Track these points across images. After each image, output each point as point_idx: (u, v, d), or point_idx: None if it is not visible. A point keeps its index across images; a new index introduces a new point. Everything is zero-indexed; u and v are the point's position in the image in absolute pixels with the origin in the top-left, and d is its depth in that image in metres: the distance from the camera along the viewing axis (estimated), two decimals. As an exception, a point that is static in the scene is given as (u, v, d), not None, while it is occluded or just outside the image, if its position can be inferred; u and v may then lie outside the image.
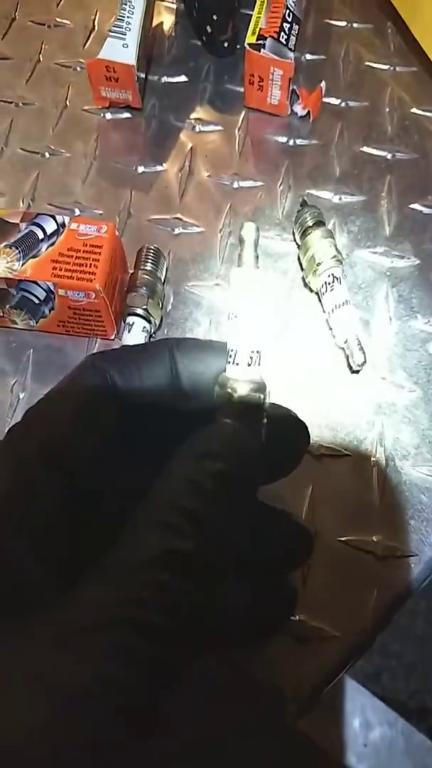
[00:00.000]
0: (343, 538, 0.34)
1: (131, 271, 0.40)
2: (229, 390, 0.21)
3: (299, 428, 0.24)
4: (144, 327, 0.38)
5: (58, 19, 0.55)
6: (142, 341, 0.38)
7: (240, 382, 0.21)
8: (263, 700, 0.32)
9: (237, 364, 0.21)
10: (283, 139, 0.48)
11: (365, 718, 0.75)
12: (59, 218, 0.38)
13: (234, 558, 0.18)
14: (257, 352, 0.21)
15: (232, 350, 0.22)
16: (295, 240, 0.43)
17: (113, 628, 0.15)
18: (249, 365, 0.21)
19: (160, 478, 0.18)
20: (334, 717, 0.74)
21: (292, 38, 0.47)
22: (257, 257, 0.22)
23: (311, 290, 0.41)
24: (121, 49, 0.46)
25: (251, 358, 0.21)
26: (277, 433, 0.22)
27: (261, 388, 0.21)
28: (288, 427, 0.23)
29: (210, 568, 0.17)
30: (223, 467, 0.18)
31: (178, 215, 0.45)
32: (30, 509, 0.18)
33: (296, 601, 0.26)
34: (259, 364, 0.21)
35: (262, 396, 0.21)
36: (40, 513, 0.18)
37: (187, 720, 0.22)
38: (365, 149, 0.48)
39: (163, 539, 0.16)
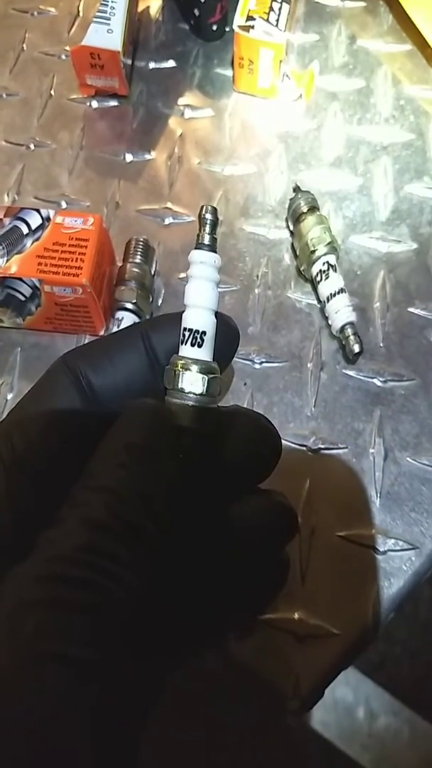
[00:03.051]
0: (341, 533, 0.33)
1: (120, 264, 0.39)
2: (173, 370, 0.21)
3: (266, 434, 0.23)
4: (134, 321, 0.37)
5: (41, 7, 0.54)
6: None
7: (187, 362, 0.21)
8: (264, 700, 0.32)
9: (184, 344, 0.22)
10: (275, 123, 0.47)
11: (370, 708, 0.75)
12: (44, 212, 0.37)
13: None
14: (202, 332, 0.22)
15: (182, 331, 0.22)
16: (288, 227, 0.42)
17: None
18: (193, 345, 0.22)
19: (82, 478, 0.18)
20: (339, 707, 0.73)
21: (282, 19, 0.46)
22: (216, 239, 0.23)
23: (306, 279, 0.40)
24: (106, 35, 0.45)
25: (195, 338, 0.22)
26: (240, 440, 0.21)
27: (209, 369, 0.21)
28: (252, 434, 0.22)
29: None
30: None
31: (168, 205, 0.44)
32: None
33: (287, 572, 0.25)
34: (200, 346, 0.22)
35: (207, 378, 0.21)
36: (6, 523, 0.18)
37: (189, 718, 0.22)
38: (360, 131, 0.46)
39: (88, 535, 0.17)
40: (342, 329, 0.37)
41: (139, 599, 0.17)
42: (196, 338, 0.22)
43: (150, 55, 0.51)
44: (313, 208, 0.40)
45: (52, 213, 0.37)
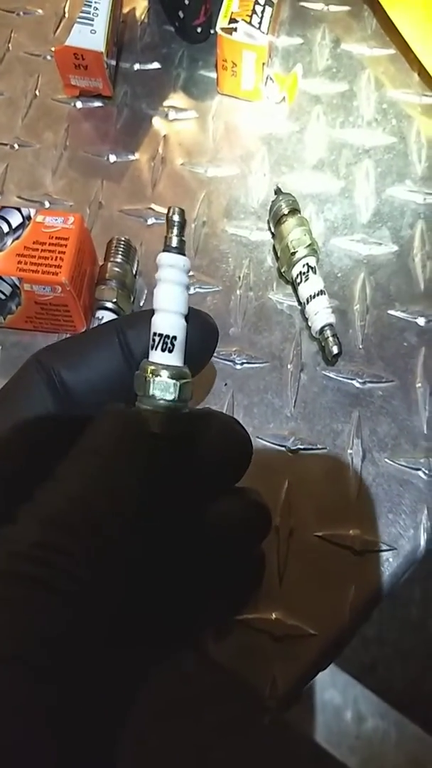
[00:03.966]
0: (319, 534, 0.33)
1: (101, 264, 0.39)
2: (144, 376, 0.21)
3: (237, 436, 0.23)
4: (114, 321, 0.37)
5: (28, 7, 0.54)
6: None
7: (158, 368, 0.21)
8: (241, 701, 0.32)
9: (155, 349, 0.22)
10: (259, 126, 0.47)
11: (357, 711, 0.75)
12: (25, 211, 0.37)
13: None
14: (172, 337, 0.22)
15: (152, 336, 0.22)
16: (270, 229, 0.42)
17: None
18: (163, 350, 0.21)
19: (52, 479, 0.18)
20: (327, 710, 0.73)
21: (265, 21, 0.46)
22: (184, 242, 0.22)
23: (287, 281, 0.40)
24: (89, 36, 0.45)
25: (165, 343, 0.21)
26: (212, 443, 0.21)
27: (180, 374, 0.21)
28: (224, 436, 0.22)
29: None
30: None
31: (151, 205, 0.44)
32: None
33: (263, 570, 0.25)
34: (170, 351, 0.22)
35: (178, 384, 0.21)
36: None
37: (167, 721, 0.22)
38: (342, 134, 0.47)
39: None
40: (321, 331, 0.37)
41: (101, 598, 0.17)
42: (167, 343, 0.21)
43: (135, 57, 0.51)
44: (294, 210, 0.40)
45: (32, 212, 0.37)
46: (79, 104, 0.49)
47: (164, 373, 0.21)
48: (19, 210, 0.37)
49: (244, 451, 0.23)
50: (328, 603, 0.32)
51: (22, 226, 0.37)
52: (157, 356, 0.22)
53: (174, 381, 0.21)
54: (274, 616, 0.31)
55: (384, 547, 0.33)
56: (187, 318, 0.22)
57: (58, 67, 0.46)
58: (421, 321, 0.39)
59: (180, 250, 0.22)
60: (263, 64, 0.46)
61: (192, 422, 0.22)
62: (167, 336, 0.21)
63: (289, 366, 0.38)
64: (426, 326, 0.39)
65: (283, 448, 0.35)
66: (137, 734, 0.21)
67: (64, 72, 0.47)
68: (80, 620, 0.16)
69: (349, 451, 0.35)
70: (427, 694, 0.84)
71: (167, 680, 0.23)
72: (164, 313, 0.22)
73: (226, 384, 0.38)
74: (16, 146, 0.47)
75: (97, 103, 0.49)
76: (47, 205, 0.44)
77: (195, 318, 0.23)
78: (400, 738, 0.73)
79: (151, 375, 0.21)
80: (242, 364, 0.38)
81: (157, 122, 0.48)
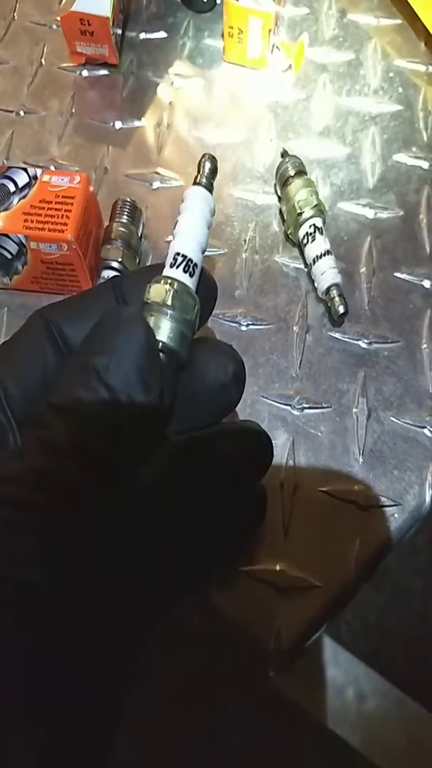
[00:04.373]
0: (324, 489, 0.33)
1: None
2: (165, 288, 0.20)
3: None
4: (120, 281, 0.37)
5: (33, -22, 0.54)
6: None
7: (179, 285, 0.20)
8: (245, 652, 0.32)
9: (176, 267, 0.21)
10: (265, 93, 0.47)
11: (359, 689, 0.75)
12: (31, 171, 0.37)
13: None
14: (195, 263, 0.21)
15: (172, 255, 0.21)
16: (276, 193, 0.42)
17: None
18: (185, 272, 0.21)
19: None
20: (328, 689, 0.74)
21: (272, -12, 0.46)
22: (212, 184, 0.23)
23: (293, 243, 0.40)
24: (96, 1, 0.45)
25: (187, 265, 0.21)
26: (207, 368, 0.21)
27: (197, 301, 0.21)
28: (219, 359, 0.22)
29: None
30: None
31: (157, 170, 0.44)
32: None
33: (265, 509, 0.25)
34: (191, 276, 0.21)
35: (197, 307, 0.20)
36: None
37: (168, 668, 0.22)
38: (348, 102, 0.47)
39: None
40: (327, 290, 0.37)
41: (95, 527, 0.17)
42: (189, 266, 0.21)
43: (141, 26, 0.51)
44: (301, 172, 0.40)
45: (39, 172, 0.37)
46: (85, 72, 0.48)
47: (184, 292, 0.20)
48: (25, 170, 0.37)
49: (237, 373, 0.23)
50: (333, 556, 0.32)
51: (28, 185, 0.37)
52: (178, 274, 0.21)
53: (194, 302, 0.20)
54: (278, 567, 0.31)
55: (389, 503, 0.33)
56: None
57: (64, 34, 0.46)
58: (426, 283, 0.39)
59: (209, 189, 0.22)
60: (269, 31, 0.46)
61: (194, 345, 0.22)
62: (190, 260, 0.21)
63: (294, 328, 0.38)
64: (431, 289, 0.39)
65: (288, 407, 0.35)
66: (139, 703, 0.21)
67: (70, 38, 0.46)
68: (75, 546, 0.16)
69: (354, 409, 0.35)
70: (429, 674, 0.84)
71: (169, 627, 0.23)
72: (188, 237, 0.21)
73: (231, 345, 0.38)
74: (22, 113, 0.47)
75: (103, 72, 0.49)
76: (53, 169, 0.44)
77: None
78: (401, 717, 0.73)
79: (171, 287, 0.20)
80: (248, 325, 0.38)
81: (162, 90, 0.48)
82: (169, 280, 0.20)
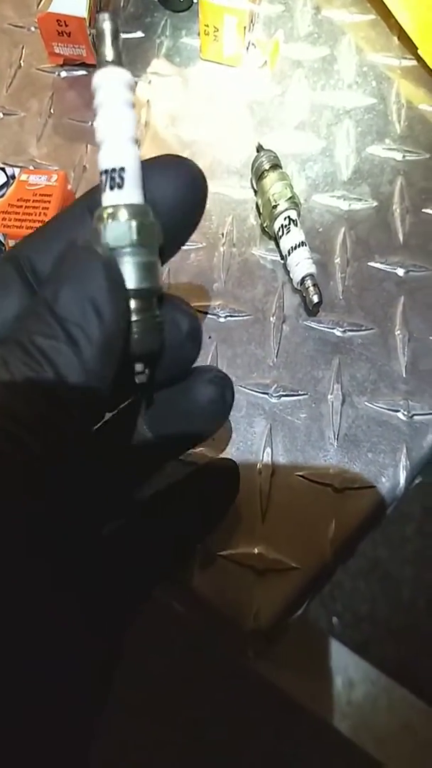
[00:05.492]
0: (300, 473, 0.34)
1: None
2: (95, 228, 0.18)
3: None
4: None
5: (12, -19, 0.55)
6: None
7: (109, 210, 0.17)
8: (224, 638, 0.32)
9: (104, 191, 0.18)
10: (241, 90, 0.48)
11: (348, 677, 0.76)
12: (9, 170, 0.38)
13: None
14: (119, 170, 0.18)
15: (99, 177, 0.18)
16: (252, 186, 0.43)
17: None
18: (111, 188, 0.18)
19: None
20: (317, 677, 0.75)
21: (245, -14, 0.46)
22: (120, 54, 0.18)
23: (269, 236, 0.41)
24: (72, 2, 0.46)
25: (112, 179, 0.18)
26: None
27: (137, 211, 0.18)
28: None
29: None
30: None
31: (135, 168, 0.44)
32: None
33: (238, 480, 0.26)
34: (120, 187, 0.17)
35: (133, 222, 0.17)
36: None
37: (146, 655, 0.22)
38: (323, 96, 0.47)
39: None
40: (302, 281, 0.38)
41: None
42: (114, 178, 0.17)
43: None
44: (276, 165, 0.41)
45: (17, 171, 0.38)
46: (63, 73, 0.49)
47: (120, 213, 0.17)
48: (3, 170, 0.38)
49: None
50: (310, 538, 0.32)
51: (6, 185, 0.38)
52: (106, 198, 0.18)
53: (129, 220, 0.17)
54: (256, 550, 0.32)
55: (364, 485, 0.34)
56: (147, 166, 0.19)
57: (42, 35, 0.47)
58: (400, 271, 0.40)
59: (117, 62, 0.18)
60: (245, 28, 0.46)
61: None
62: (112, 170, 0.18)
63: (271, 318, 0.39)
64: (405, 276, 0.40)
65: (265, 396, 0.36)
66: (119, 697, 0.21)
67: (48, 39, 0.47)
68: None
69: (330, 396, 0.36)
70: (418, 664, 0.85)
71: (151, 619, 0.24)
72: (108, 144, 0.18)
73: (210, 337, 0.38)
74: (1, 115, 0.47)
75: (81, 72, 0.49)
76: (32, 169, 0.45)
77: (169, 165, 0.20)
78: (391, 703, 0.74)
79: (97, 221, 0.17)
80: (226, 317, 0.39)
81: (140, 88, 0.48)
82: (96, 213, 0.18)
